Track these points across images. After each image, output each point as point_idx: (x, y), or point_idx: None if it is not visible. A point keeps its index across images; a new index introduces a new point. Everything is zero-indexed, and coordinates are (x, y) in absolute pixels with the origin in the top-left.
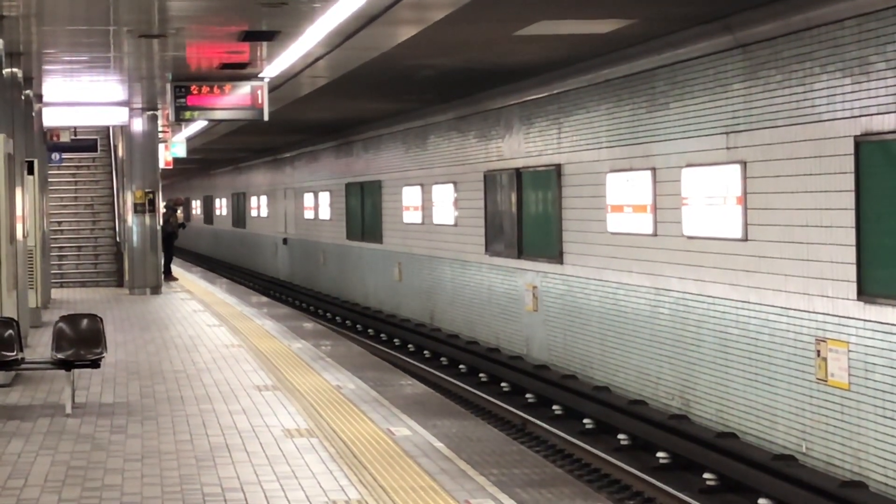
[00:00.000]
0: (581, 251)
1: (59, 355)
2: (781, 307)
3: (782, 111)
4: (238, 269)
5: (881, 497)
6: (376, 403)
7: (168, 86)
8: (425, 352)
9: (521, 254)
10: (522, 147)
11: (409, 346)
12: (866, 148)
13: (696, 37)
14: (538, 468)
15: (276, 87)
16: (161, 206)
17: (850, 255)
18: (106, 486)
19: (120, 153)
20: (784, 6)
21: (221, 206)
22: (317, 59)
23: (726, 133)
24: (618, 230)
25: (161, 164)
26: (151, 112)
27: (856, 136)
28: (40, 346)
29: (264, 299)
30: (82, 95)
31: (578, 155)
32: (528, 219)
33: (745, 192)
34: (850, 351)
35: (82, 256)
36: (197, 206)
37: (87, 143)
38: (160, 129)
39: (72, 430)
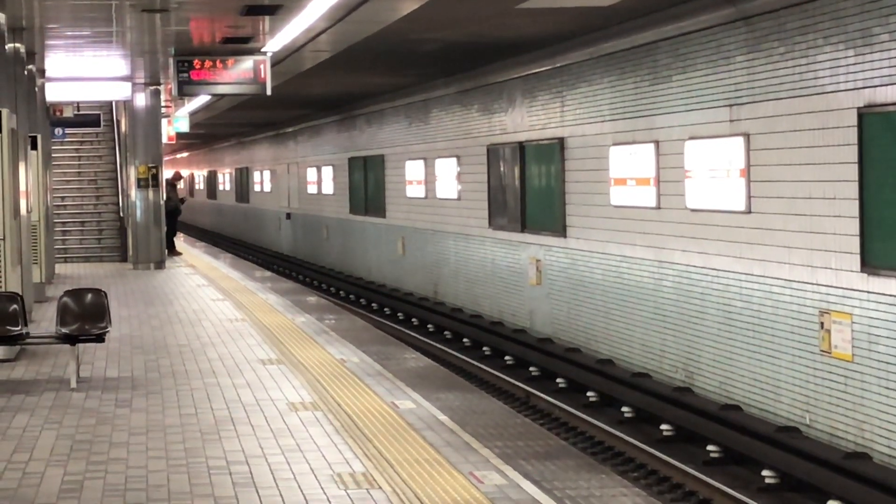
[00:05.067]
0: (584, 224)
1: (64, 330)
2: (785, 279)
3: (785, 83)
4: (241, 243)
5: (885, 468)
6: (380, 377)
7: (171, 60)
8: (429, 325)
9: (524, 227)
10: (525, 121)
11: (413, 319)
12: (870, 120)
13: (698, 9)
14: (542, 440)
15: (278, 61)
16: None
17: (854, 226)
18: (111, 460)
19: (123, 128)
20: None
21: (225, 181)
22: (319, 34)
23: (729, 105)
24: (621, 203)
25: (164, 139)
26: (154, 87)
27: (859, 108)
28: (45, 320)
29: (268, 274)
30: (85, 70)
31: (582, 128)
32: (531, 192)
33: (748, 165)
34: (853, 323)
35: (86, 231)
36: (200, 181)
37: (90, 119)
38: (163, 103)
39: (76, 405)
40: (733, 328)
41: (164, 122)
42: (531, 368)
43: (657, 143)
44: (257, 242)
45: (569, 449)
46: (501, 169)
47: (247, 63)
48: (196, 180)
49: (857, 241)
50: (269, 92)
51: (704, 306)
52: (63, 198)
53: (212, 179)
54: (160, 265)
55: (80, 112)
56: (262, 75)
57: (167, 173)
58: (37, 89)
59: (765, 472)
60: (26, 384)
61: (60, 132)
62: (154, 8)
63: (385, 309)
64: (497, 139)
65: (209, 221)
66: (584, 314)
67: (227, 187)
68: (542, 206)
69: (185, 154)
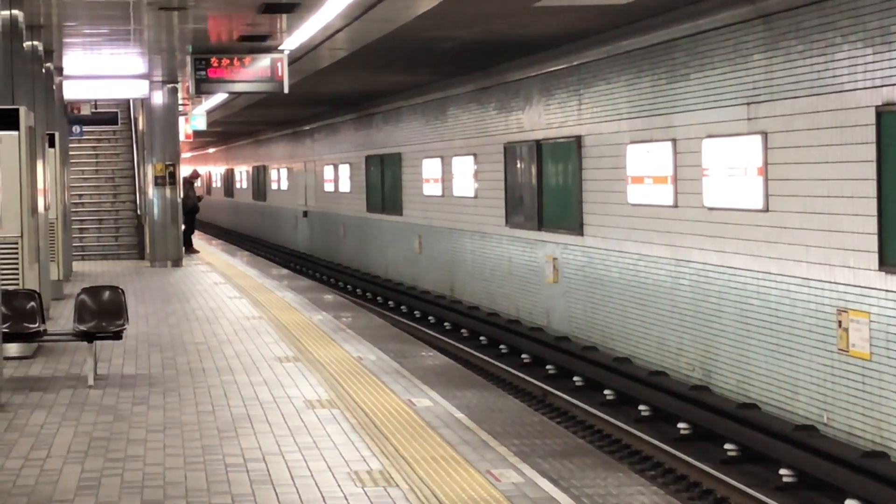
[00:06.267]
0: (601, 223)
1: (81, 327)
2: (802, 278)
3: (803, 81)
4: (258, 241)
5: None
6: (397, 374)
7: (188, 58)
8: (446, 323)
9: (541, 226)
10: (542, 119)
11: (430, 317)
12: (888, 118)
13: (716, 7)
14: (559, 439)
15: (295, 59)
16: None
17: (872, 225)
18: (128, 457)
19: (140, 126)
20: None
21: (241, 179)
22: (336, 32)
23: (747, 104)
24: (638, 202)
25: (181, 137)
26: (171, 85)
27: (877, 107)
28: (62, 318)
29: (285, 271)
30: (103, 68)
31: (599, 126)
32: (548, 190)
33: (765, 163)
34: (871, 321)
35: (103, 229)
36: (217, 179)
37: (107, 116)
38: (180, 101)
39: (94, 402)
40: (750, 327)
41: (181, 119)
42: (548, 366)
43: (674, 141)
44: (274, 240)
45: (586, 447)
46: (518, 167)
47: (264, 61)
48: (213, 178)
49: (874, 239)
50: (286, 90)
51: (721, 305)
52: (80, 195)
53: (229, 177)
54: (177, 263)
55: (98, 110)
56: (280, 73)
57: (184, 171)
58: (54, 87)
59: (782, 471)
60: (44, 381)
61: (78, 130)
62: (171, 6)
63: (402, 307)
64: (514, 137)
65: (226, 219)
66: (601, 312)
67: (244, 185)
68: (559, 205)
69: (201, 152)
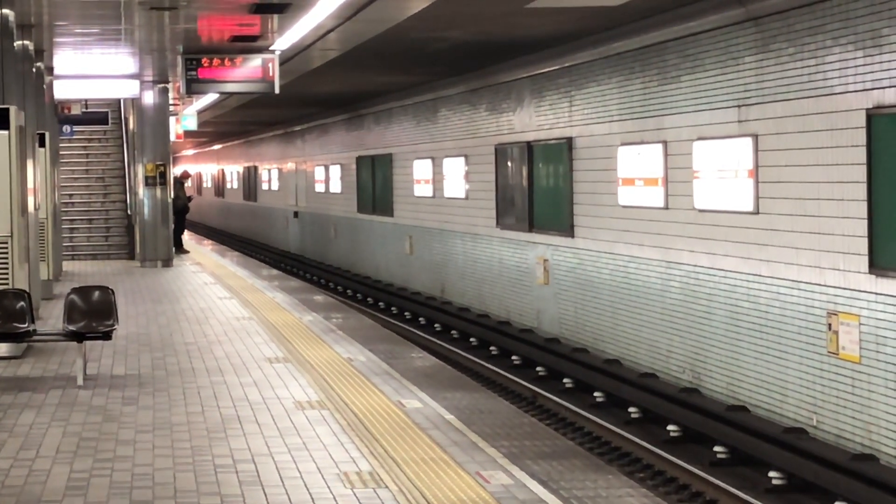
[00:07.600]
0: (592, 224)
1: (71, 327)
2: (793, 280)
3: (794, 84)
4: (249, 242)
5: (892, 470)
6: (387, 376)
7: (179, 58)
8: (436, 325)
9: (532, 227)
10: (533, 120)
11: (420, 319)
12: (878, 121)
13: (707, 9)
14: (549, 440)
15: (286, 59)
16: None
17: (862, 228)
18: (117, 458)
19: (131, 126)
20: None
21: (232, 180)
22: (328, 32)
23: (738, 106)
24: (629, 203)
25: (172, 137)
26: (162, 85)
27: (868, 110)
28: (52, 318)
29: (275, 272)
30: (93, 68)
31: (590, 128)
32: (539, 192)
33: (756, 166)
34: (861, 324)
35: (93, 229)
36: (208, 179)
37: (98, 116)
38: (171, 101)
39: (83, 402)
40: (740, 329)
41: (171, 119)
42: (538, 368)
43: (665, 143)
44: (265, 241)
45: (575, 449)
46: (509, 168)
47: (255, 61)
48: (204, 178)
49: (865, 242)
50: (277, 91)
51: (712, 307)
52: (71, 195)
53: (220, 178)
54: (168, 263)
55: (89, 110)
56: (271, 74)
57: (176, 170)
58: (45, 87)
59: (772, 474)
60: (33, 381)
61: (68, 130)
62: (162, 6)
63: (392, 308)
64: (505, 139)
65: (217, 220)
66: (592, 314)
67: (235, 185)
68: (550, 206)
69: (196, 151)
